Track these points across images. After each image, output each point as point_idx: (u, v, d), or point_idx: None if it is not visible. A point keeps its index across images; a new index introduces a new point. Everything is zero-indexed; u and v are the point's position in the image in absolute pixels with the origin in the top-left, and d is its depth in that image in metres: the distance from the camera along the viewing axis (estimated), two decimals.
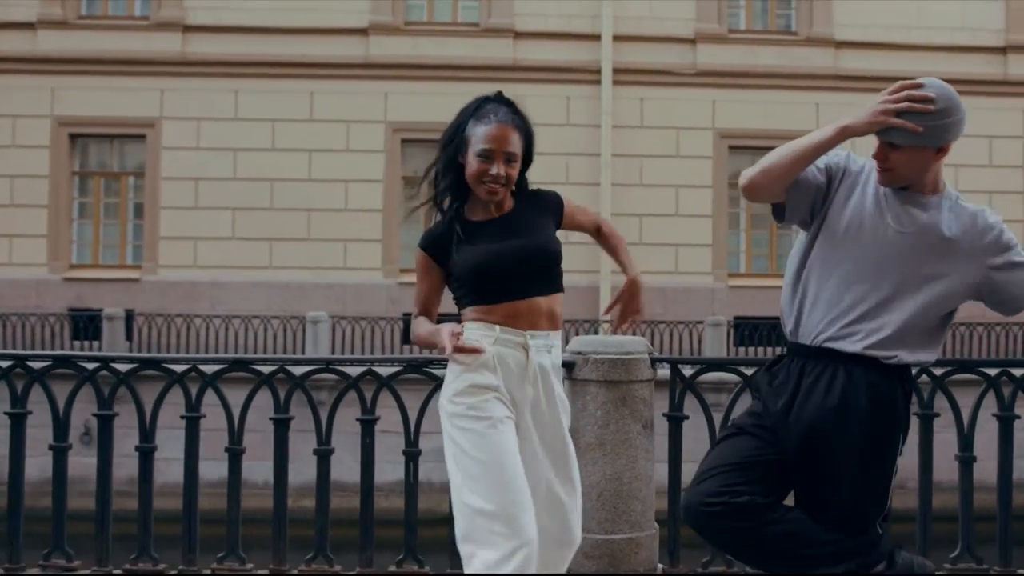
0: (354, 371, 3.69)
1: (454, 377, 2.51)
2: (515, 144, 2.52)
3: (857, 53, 15.13)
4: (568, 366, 3.66)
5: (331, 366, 3.74)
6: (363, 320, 13.64)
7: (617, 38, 14.73)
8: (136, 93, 14.50)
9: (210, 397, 3.58)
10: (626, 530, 3.65)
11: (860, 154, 2.56)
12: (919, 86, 2.32)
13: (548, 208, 2.68)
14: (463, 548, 2.38)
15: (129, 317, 13.47)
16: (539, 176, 12.29)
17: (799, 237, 2.60)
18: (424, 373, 3.66)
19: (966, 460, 3.72)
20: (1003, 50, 15.40)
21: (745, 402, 3.30)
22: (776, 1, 15.63)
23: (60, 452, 3.62)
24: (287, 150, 14.54)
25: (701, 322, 13.58)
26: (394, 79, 14.78)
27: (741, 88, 14.98)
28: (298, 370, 3.70)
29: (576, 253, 14.40)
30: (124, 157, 15.17)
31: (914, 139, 2.28)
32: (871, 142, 2.43)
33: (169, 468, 4.54)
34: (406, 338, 13.90)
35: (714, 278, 14.94)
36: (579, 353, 3.70)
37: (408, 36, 14.93)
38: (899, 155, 2.31)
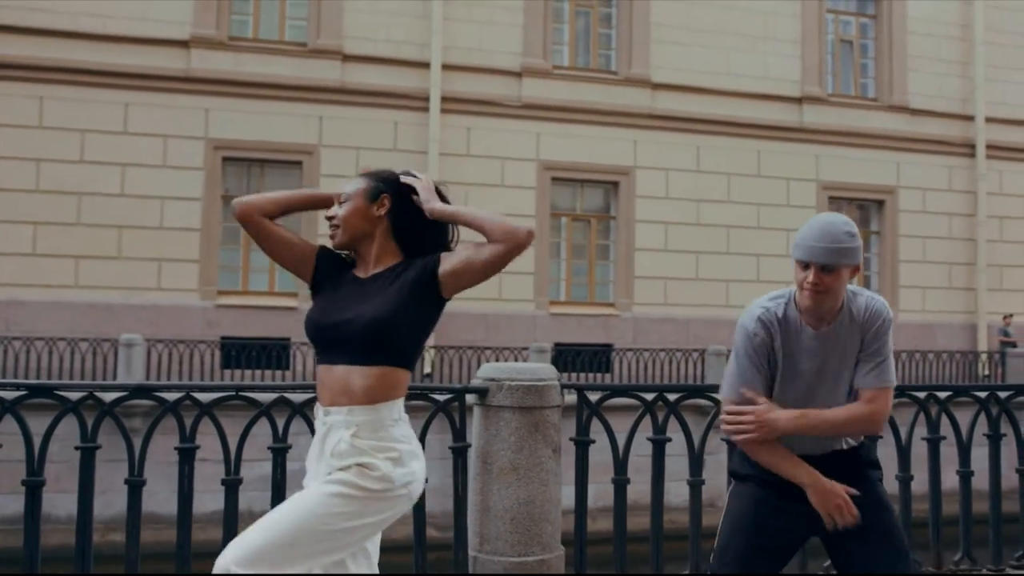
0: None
1: None
2: (350, 185, 2.51)
3: (672, 95, 16.04)
4: (481, 392, 3.72)
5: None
6: (181, 343, 13.06)
7: (446, 67, 14.95)
8: None
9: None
10: (538, 552, 3.74)
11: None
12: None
13: (414, 274, 2.43)
14: None
15: None
16: None
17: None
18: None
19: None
20: (799, 100, 16.73)
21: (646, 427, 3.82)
22: (598, 41, 16.32)
23: None
24: (97, 163, 13.77)
25: (526, 348, 13.88)
26: (216, 95, 14.33)
27: (564, 122, 15.53)
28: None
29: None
30: None
31: (843, 260, 2.62)
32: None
33: None
34: (226, 362, 13.44)
35: (536, 305, 15.32)
36: (492, 380, 3.76)
37: (232, 52, 14.54)
38: (831, 277, 2.64)
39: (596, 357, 14.59)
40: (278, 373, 13.50)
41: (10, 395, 3.38)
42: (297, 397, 3.68)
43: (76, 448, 3.45)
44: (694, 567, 4.17)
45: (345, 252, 2.54)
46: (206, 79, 14.27)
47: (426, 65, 14.92)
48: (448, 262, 2.43)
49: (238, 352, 13.31)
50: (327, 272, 2.52)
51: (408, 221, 2.49)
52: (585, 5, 16.28)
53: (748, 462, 2.83)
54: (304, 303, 14.29)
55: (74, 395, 3.46)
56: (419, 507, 3.74)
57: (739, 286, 16.00)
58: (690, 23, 16.24)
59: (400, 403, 2.37)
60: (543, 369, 3.92)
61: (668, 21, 16.16)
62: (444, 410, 3.82)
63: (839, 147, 16.71)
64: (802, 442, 2.78)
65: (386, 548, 3.82)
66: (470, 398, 3.91)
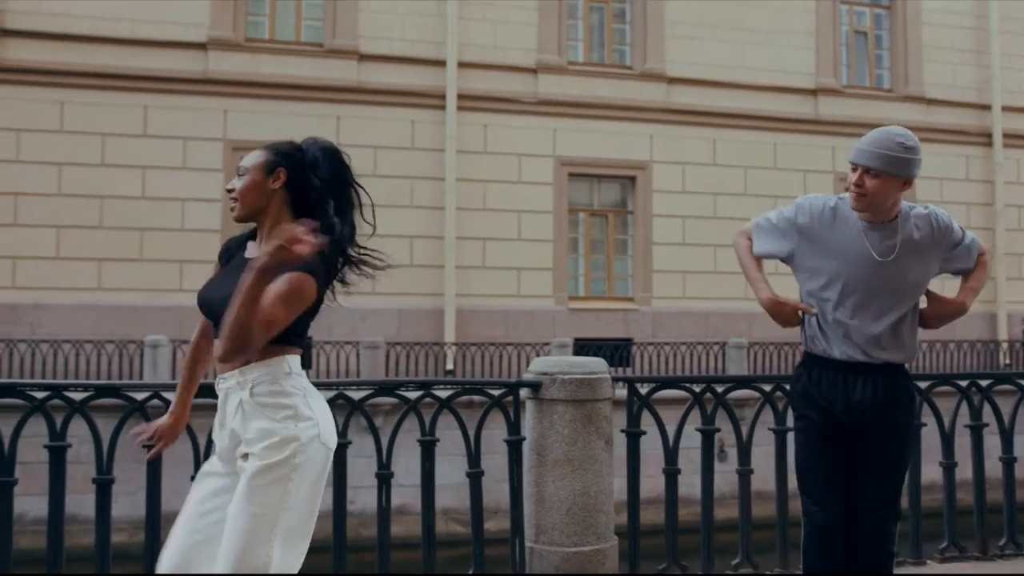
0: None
1: None
2: (248, 159, 2.50)
3: (687, 89, 16.05)
4: (534, 386, 3.77)
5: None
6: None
7: (462, 65, 14.98)
8: None
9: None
10: (593, 542, 3.80)
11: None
12: None
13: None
14: None
15: None
16: (385, 199, 12.61)
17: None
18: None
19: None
20: (814, 92, 16.72)
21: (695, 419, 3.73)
22: (612, 36, 16.34)
23: None
24: (118, 166, 13.86)
25: (547, 344, 13.94)
26: (234, 96, 14.40)
27: (580, 118, 15.56)
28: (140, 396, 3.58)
29: (421, 276, 14.54)
30: None
31: (888, 167, 2.73)
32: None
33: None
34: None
35: (555, 301, 15.35)
36: (545, 373, 3.82)
37: (249, 53, 14.60)
38: (874, 182, 2.76)
39: (617, 352, 14.63)
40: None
41: (78, 396, 3.45)
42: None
43: (144, 446, 3.51)
44: (744, 557, 4.21)
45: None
46: (224, 80, 14.34)
47: (442, 63, 14.95)
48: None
49: None
50: (230, 254, 2.57)
51: (304, 195, 2.48)
52: (599, 1, 16.29)
53: (804, 398, 2.98)
54: (326, 302, 14.37)
55: (139, 395, 3.52)
56: (476, 500, 3.80)
57: None
58: (704, 17, 16.24)
59: (291, 359, 2.40)
60: (595, 363, 3.97)
61: (682, 16, 16.16)
62: (499, 404, 3.87)
63: (855, 138, 16.25)
64: (852, 347, 2.89)
65: (443, 542, 3.89)
66: (523, 392, 3.96)
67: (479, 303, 14.92)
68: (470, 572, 3.82)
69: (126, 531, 6.12)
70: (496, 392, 3.88)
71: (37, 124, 13.72)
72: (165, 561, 2.36)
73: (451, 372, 14.01)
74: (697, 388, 4.20)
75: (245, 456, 2.32)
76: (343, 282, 2.56)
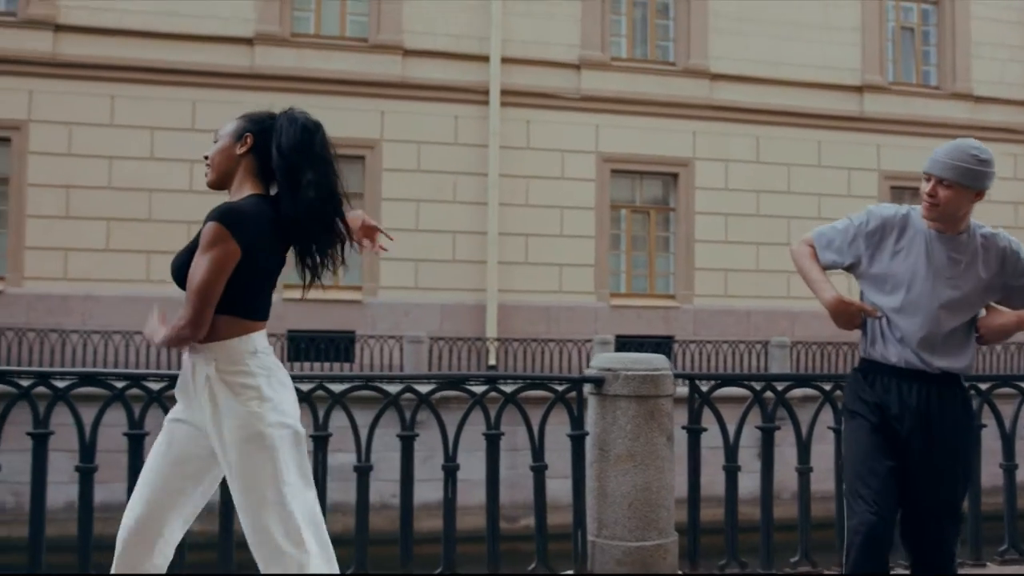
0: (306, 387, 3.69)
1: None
2: (223, 127, 2.59)
3: (730, 85, 15.96)
4: (597, 382, 3.81)
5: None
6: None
7: (505, 60, 15.02)
8: (2, 93, 13.76)
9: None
10: (655, 537, 3.84)
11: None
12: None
13: None
14: None
15: None
16: (428, 194, 12.71)
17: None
18: (374, 389, 3.70)
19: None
20: (860, 89, 16.54)
21: (755, 417, 3.78)
22: (655, 32, 16.28)
23: None
24: (167, 160, 14.07)
25: (589, 340, 13.96)
26: (280, 91, 14.52)
27: (623, 114, 15.53)
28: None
29: (464, 271, 14.63)
30: None
31: (961, 179, 2.78)
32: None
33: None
34: (294, 355, 13.69)
35: (596, 297, 15.36)
36: (608, 369, 3.87)
37: (295, 48, 14.75)
38: (947, 192, 2.81)
39: (658, 349, 14.60)
40: (345, 365, 13.73)
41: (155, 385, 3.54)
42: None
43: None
44: (803, 555, 4.22)
45: None
46: (270, 75, 14.49)
47: (485, 59, 15.00)
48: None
49: (306, 345, 13.55)
50: None
51: (269, 161, 2.49)
52: None
53: (859, 400, 2.98)
54: (368, 296, 14.51)
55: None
56: (540, 494, 3.85)
57: (800, 277, 15.85)
58: (748, 13, 16.13)
59: (253, 337, 2.43)
60: (657, 359, 4.00)
61: (726, 11, 16.07)
62: (562, 400, 3.91)
63: (901, 136, 16.47)
64: (910, 353, 2.89)
65: (507, 537, 3.94)
66: (584, 388, 4.00)
67: (521, 299, 14.97)
68: (532, 567, 3.86)
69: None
70: (560, 387, 3.92)
71: (89, 118, 13.98)
72: (129, 512, 2.44)
73: (493, 367, 14.07)
74: (757, 386, 4.21)
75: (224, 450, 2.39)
76: (326, 264, 2.57)
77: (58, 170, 13.88)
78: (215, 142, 2.56)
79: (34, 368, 12.21)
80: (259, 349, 2.43)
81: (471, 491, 4.29)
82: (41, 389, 3.49)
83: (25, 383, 3.45)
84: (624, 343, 14.34)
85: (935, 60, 17.33)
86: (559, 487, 4.24)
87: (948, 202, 2.81)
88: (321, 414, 3.60)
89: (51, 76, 13.95)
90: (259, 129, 2.53)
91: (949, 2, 17.13)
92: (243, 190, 2.51)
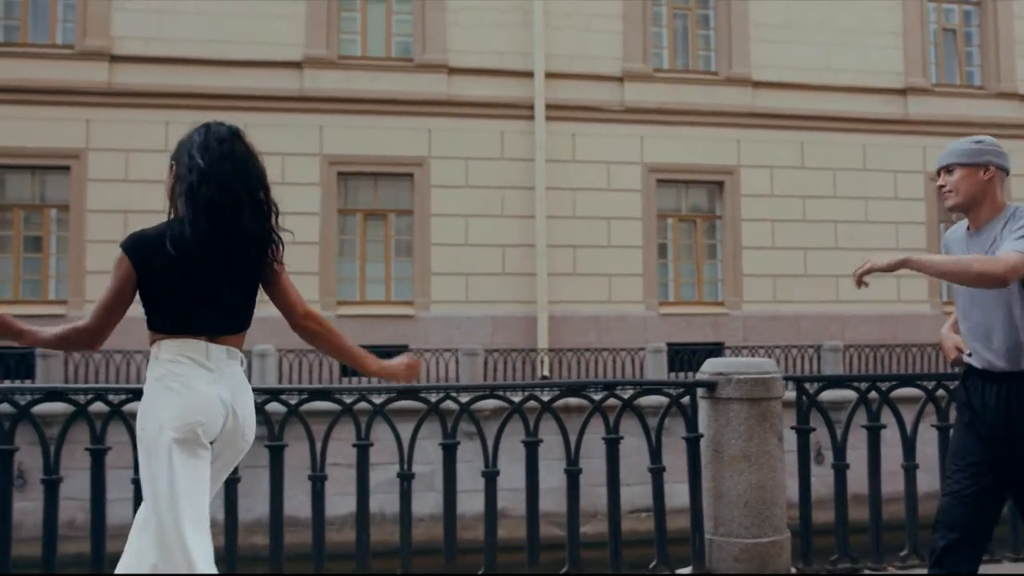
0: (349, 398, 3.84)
1: None
2: None
3: (773, 92, 16.02)
4: (709, 386, 3.95)
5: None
6: (310, 352, 13.55)
7: (549, 75, 15.19)
8: (61, 123, 14.14)
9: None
10: (770, 533, 3.93)
11: None
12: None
13: None
14: None
15: None
16: (476, 209, 12.92)
17: None
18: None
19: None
20: (903, 91, 16.54)
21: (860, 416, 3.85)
22: (697, 42, 16.39)
23: None
24: None
25: (642, 349, 14.05)
26: (329, 112, 14.82)
27: (667, 124, 15.64)
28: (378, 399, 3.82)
29: (514, 284, 14.76)
30: (46, 189, 14.68)
31: (959, 158, 2.93)
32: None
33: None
34: (347, 369, 13.87)
35: (645, 306, 15.44)
36: (720, 374, 4.00)
37: (342, 70, 15.02)
38: (952, 177, 2.95)
39: (711, 356, 14.60)
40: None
41: (294, 399, 3.70)
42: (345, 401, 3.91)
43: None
44: (912, 550, 4.28)
45: None
46: (319, 98, 14.77)
47: (529, 74, 15.18)
48: None
49: None
50: None
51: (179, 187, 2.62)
52: (683, 7, 16.37)
53: (958, 400, 3.04)
54: (420, 310, 14.69)
55: (348, 398, 3.76)
56: (659, 495, 3.96)
57: (848, 281, 15.66)
58: (789, 20, 16.21)
59: (163, 345, 2.59)
60: (766, 363, 4.10)
61: (766, 19, 16.15)
62: (677, 403, 4.02)
63: (946, 137, 16.09)
64: (976, 354, 2.94)
65: (628, 542, 4.02)
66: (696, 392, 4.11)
67: (570, 309, 15.08)
68: (652, 565, 3.97)
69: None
70: (673, 392, 4.03)
71: (144, 144, 14.29)
72: None
73: (546, 377, 14.18)
74: (862, 386, 4.30)
75: None
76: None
77: (116, 196, 14.20)
78: None
79: (92, 385, 12.56)
80: (162, 356, 2.59)
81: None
82: (98, 406, 3.64)
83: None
84: (675, 351, 14.39)
85: (978, 61, 17.29)
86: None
87: (956, 186, 2.93)
88: (450, 424, 3.73)
89: (107, 105, 14.32)
90: (176, 157, 2.68)
91: (991, 2, 17.10)
92: (175, 215, 2.65)
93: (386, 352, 12.07)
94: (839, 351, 14.46)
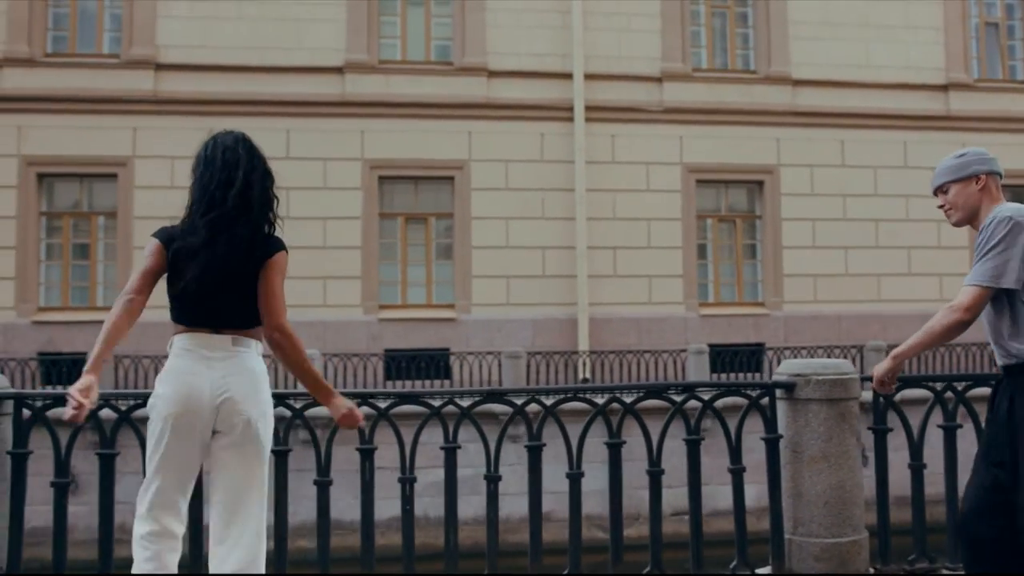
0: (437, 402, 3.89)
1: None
2: None
3: (813, 90, 15.94)
4: (788, 387, 3.98)
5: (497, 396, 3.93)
6: (355, 356, 13.69)
7: (588, 76, 15.22)
8: (108, 131, 14.37)
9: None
10: (849, 533, 3.95)
11: None
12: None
13: None
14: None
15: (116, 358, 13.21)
16: (517, 211, 12.99)
17: None
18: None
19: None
20: (945, 87, 16.39)
21: (937, 416, 3.86)
22: (735, 41, 16.35)
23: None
24: None
25: (683, 350, 14.03)
26: (370, 117, 14.95)
27: (706, 124, 15.61)
28: (465, 401, 3.88)
29: (554, 286, 14.80)
30: (93, 196, 14.92)
31: (947, 176, 3.12)
32: None
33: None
34: (391, 373, 14.00)
35: (686, 307, 15.42)
36: (799, 375, 4.02)
37: (383, 74, 15.14)
38: (946, 195, 3.15)
39: (751, 357, 14.62)
40: (438, 382, 13.99)
41: (383, 403, 3.76)
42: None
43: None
44: None
45: None
46: (360, 102, 14.91)
47: (568, 76, 15.22)
48: None
49: (407, 363, 13.84)
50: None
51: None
52: (721, 6, 16.33)
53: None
54: (461, 313, 14.77)
55: (436, 402, 3.82)
56: (739, 495, 3.99)
57: (890, 280, 15.80)
58: (828, 17, 16.12)
59: (175, 337, 2.90)
60: (843, 364, 4.12)
61: (805, 17, 16.08)
62: (756, 404, 4.05)
63: (989, 133, 16.22)
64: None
65: (710, 543, 4.05)
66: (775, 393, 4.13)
67: (611, 311, 15.10)
68: (733, 565, 4.00)
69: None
70: (753, 394, 4.05)
71: (189, 151, 14.02)
72: None
73: (587, 380, 14.21)
74: (939, 386, 4.30)
75: None
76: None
77: (162, 203, 14.37)
78: None
79: (131, 391, 12.68)
80: (175, 347, 2.90)
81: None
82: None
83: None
84: (717, 352, 14.37)
85: (1021, 55, 17.09)
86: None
87: (953, 203, 3.09)
88: (536, 425, 3.78)
89: (153, 113, 14.54)
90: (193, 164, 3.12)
91: None
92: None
93: (428, 356, 12.28)
94: (883, 351, 14.33)
